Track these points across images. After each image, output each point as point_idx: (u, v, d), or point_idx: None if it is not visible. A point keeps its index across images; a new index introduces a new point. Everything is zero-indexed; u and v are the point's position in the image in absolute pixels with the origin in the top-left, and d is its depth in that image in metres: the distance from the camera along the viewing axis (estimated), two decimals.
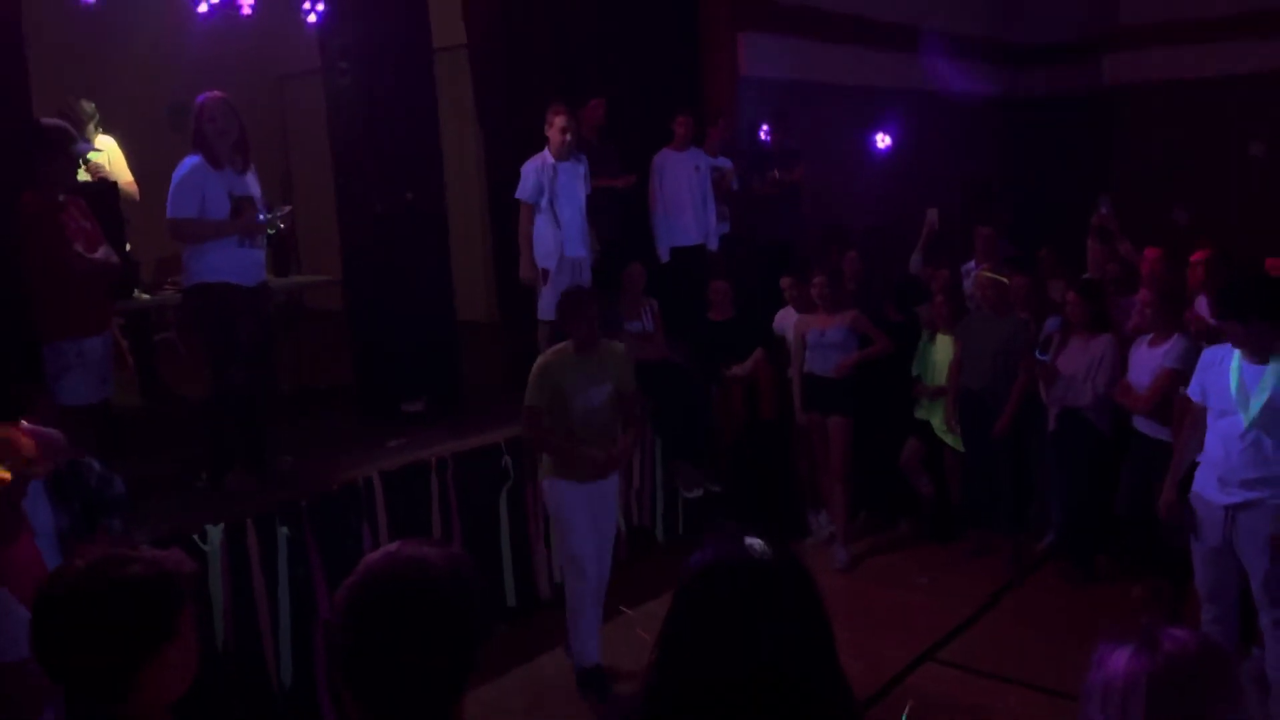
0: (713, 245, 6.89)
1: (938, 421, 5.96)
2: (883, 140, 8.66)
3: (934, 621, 5.04)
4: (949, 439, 5.93)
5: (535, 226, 5.56)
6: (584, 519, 4.32)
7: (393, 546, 1.41)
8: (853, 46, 8.48)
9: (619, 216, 6.44)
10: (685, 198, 6.71)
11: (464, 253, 6.61)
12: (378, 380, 5.46)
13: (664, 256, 6.79)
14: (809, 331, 5.89)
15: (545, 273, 5.60)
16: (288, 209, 4.44)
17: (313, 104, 6.14)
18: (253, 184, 4.42)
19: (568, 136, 5.50)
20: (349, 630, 1.34)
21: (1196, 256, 5.62)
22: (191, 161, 4.26)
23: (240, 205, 4.31)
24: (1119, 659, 1.34)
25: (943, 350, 5.86)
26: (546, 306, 5.63)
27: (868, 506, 6.39)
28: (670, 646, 1.47)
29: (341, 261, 5.67)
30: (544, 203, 5.52)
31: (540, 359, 4.31)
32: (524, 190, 5.57)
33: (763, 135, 7.39)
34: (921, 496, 6.22)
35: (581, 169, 5.66)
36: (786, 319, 6.36)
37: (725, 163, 7.12)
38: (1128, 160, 10.11)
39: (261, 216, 4.35)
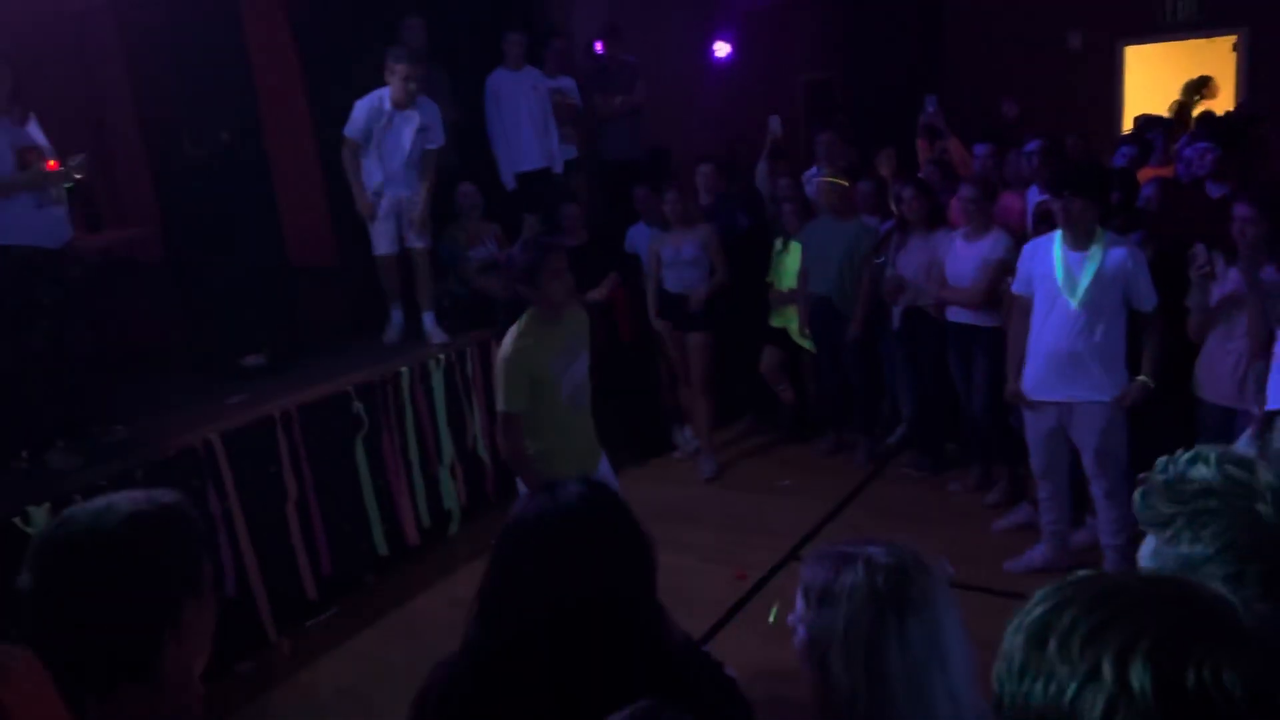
0: (558, 168, 6.73)
1: (793, 327, 6.08)
2: (721, 49, 8.59)
3: (797, 521, 5.20)
4: (804, 342, 6.06)
5: (363, 163, 5.36)
6: None
7: (101, 499, 1.31)
8: None
9: (453, 144, 6.20)
10: (524, 120, 6.50)
11: (294, 194, 6.25)
12: (211, 335, 5.16)
13: (509, 184, 6.59)
14: (663, 249, 5.87)
15: (373, 210, 5.43)
16: (81, 157, 4.05)
17: (116, 41, 5.63)
18: (36, 134, 4.02)
19: (410, 86, 5.24)
20: (29, 580, 1.25)
21: (1030, 146, 5.84)
22: None
23: (25, 157, 3.93)
24: (819, 573, 1.41)
25: (795, 257, 5.93)
26: (376, 242, 5.51)
27: (735, 416, 6.52)
28: (487, 599, 1.48)
29: (159, 211, 5.28)
30: (371, 146, 5.32)
31: (505, 349, 3.38)
32: (352, 127, 5.32)
33: (597, 50, 7.21)
34: (781, 402, 6.37)
35: (416, 119, 5.37)
36: (638, 235, 6.32)
37: (567, 83, 6.93)
38: (958, 57, 10.37)
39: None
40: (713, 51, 8.63)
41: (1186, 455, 1.19)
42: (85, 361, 4.19)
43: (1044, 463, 4.29)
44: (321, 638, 4.50)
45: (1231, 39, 9.63)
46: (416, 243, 5.55)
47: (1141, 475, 1.24)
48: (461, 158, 6.27)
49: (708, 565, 4.77)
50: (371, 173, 5.37)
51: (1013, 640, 0.82)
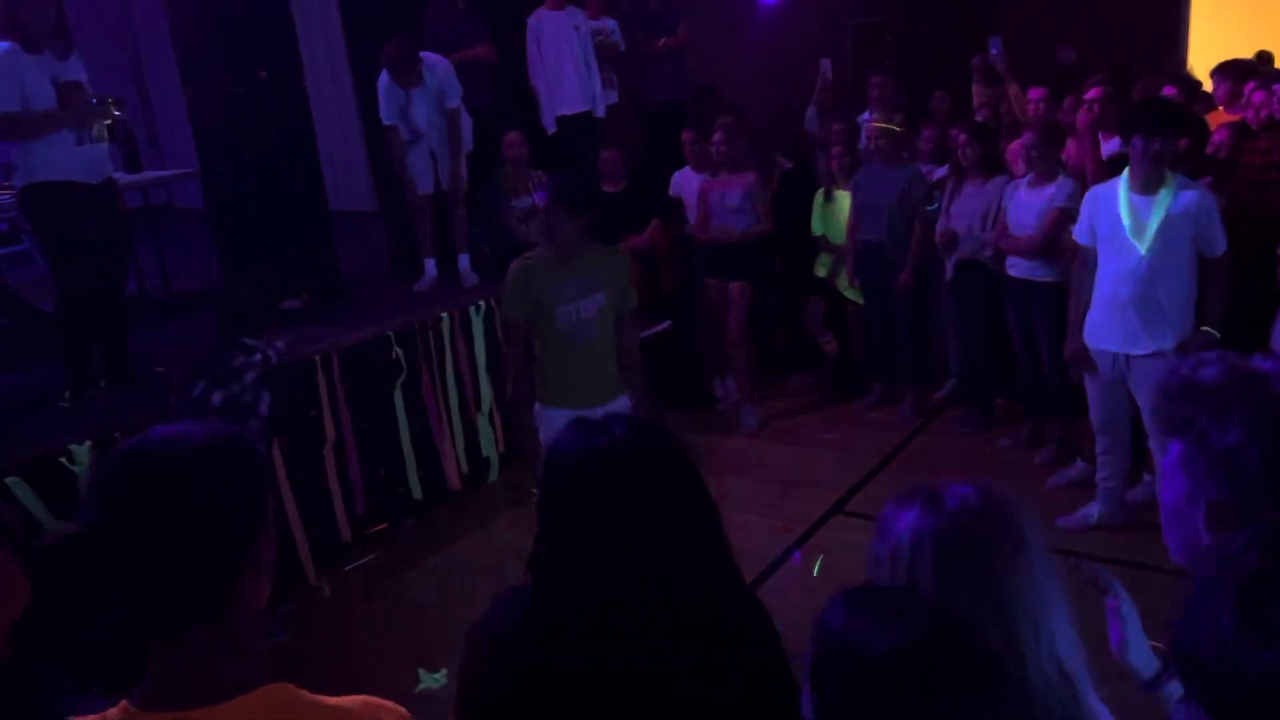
0: (600, 112, 6.58)
1: (840, 279, 5.91)
2: None
3: (841, 475, 5.10)
4: (850, 294, 5.91)
5: (408, 157, 5.33)
6: None
7: (161, 430, 1.23)
8: None
9: (491, 88, 6.08)
10: (567, 61, 6.34)
11: (333, 136, 6.18)
12: (250, 278, 5.12)
13: (550, 127, 6.46)
14: (711, 194, 5.72)
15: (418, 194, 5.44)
16: (118, 97, 4.01)
17: None
18: (77, 68, 3.97)
19: (400, 64, 5.09)
20: (96, 515, 1.18)
21: (1091, 94, 5.58)
22: (2, 48, 3.79)
23: (68, 92, 3.88)
24: (904, 521, 1.29)
25: (843, 205, 5.76)
26: (412, 183, 5.45)
27: (775, 369, 6.39)
28: (552, 539, 1.44)
29: (196, 152, 5.23)
30: (404, 128, 5.26)
31: (514, 263, 3.59)
32: (385, 113, 5.25)
33: None
34: (825, 354, 6.24)
35: (432, 87, 5.25)
36: (683, 179, 6.16)
37: (609, 24, 6.75)
38: (1014, 1, 9.97)
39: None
40: None
41: (1189, 363, 1.22)
42: (127, 301, 4.19)
43: (1103, 416, 4.14)
44: (359, 581, 4.50)
45: None
46: (454, 186, 5.47)
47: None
48: (502, 101, 6.15)
49: (750, 518, 4.70)
50: (417, 165, 5.38)
51: (1211, 594, 0.69)
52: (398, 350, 4.79)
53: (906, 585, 1.25)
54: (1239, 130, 4.65)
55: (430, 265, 5.46)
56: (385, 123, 5.27)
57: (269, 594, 1.25)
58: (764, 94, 7.35)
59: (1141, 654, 1.48)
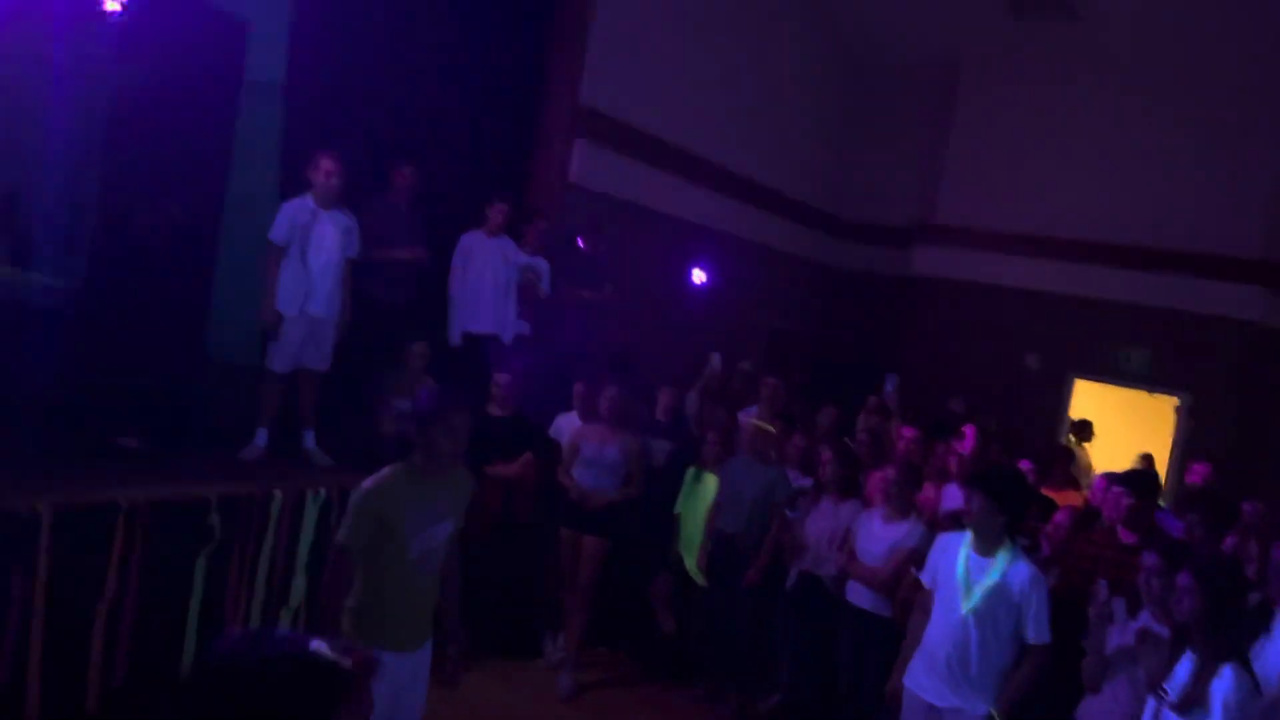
0: (506, 339, 6.68)
1: (690, 561, 5.85)
2: (699, 276, 8.80)
3: None
4: (698, 577, 5.82)
5: (281, 271, 5.22)
6: (387, 700, 3.02)
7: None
8: (680, 180, 8.65)
9: (413, 286, 6.17)
10: (488, 285, 6.51)
11: (241, 289, 6.12)
12: (93, 404, 4.86)
13: (454, 339, 6.52)
14: (586, 444, 5.72)
15: (280, 318, 5.26)
16: None
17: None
18: None
19: (333, 181, 5.22)
20: None
21: (963, 447, 5.86)
22: None
23: None
24: None
25: (709, 490, 5.80)
26: (275, 357, 5.31)
27: (609, 638, 6.14)
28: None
29: (86, 263, 5.12)
30: (295, 248, 5.23)
31: (368, 483, 3.14)
32: (276, 230, 5.23)
33: (579, 244, 7.35)
34: (661, 633, 6.05)
35: (345, 222, 5.37)
36: (567, 424, 6.18)
37: (540, 264, 7.00)
38: (921, 344, 10.73)
39: None
40: (691, 275, 8.83)
41: None
42: None
43: None
44: None
45: (1174, 400, 10.03)
46: (316, 364, 5.43)
47: None
48: (411, 299, 6.21)
49: None
50: (289, 280, 5.23)
51: None
52: (216, 516, 4.49)
53: None
54: (1079, 516, 4.87)
55: (262, 434, 5.29)
56: (274, 240, 5.16)
57: None
58: (674, 371, 7.57)
59: None
